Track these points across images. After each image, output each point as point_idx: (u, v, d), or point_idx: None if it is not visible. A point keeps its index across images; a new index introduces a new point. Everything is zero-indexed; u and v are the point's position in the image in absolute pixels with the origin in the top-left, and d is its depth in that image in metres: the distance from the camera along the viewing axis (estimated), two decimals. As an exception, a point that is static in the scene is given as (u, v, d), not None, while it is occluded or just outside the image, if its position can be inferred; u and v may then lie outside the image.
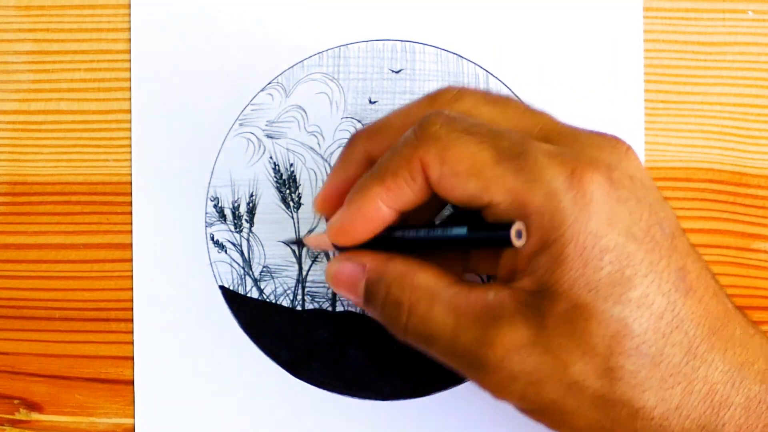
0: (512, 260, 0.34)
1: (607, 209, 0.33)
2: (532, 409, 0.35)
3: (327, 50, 0.46)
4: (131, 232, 0.46)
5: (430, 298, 0.35)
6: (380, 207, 0.36)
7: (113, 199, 0.46)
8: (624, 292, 0.33)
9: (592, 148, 0.35)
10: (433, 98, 0.37)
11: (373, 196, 0.35)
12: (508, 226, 0.33)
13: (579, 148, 0.34)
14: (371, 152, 0.38)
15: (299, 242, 0.42)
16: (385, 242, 0.37)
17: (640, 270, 0.33)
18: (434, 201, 0.36)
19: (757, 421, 0.34)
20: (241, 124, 0.46)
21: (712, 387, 0.34)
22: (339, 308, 0.46)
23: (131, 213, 0.46)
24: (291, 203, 0.46)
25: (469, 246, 0.36)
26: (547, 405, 0.34)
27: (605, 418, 0.34)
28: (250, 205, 0.46)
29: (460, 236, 0.35)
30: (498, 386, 0.34)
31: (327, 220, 0.39)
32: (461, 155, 0.34)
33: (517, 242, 0.33)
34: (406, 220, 0.38)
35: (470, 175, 0.34)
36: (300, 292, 0.46)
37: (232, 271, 0.46)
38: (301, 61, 0.46)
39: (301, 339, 0.46)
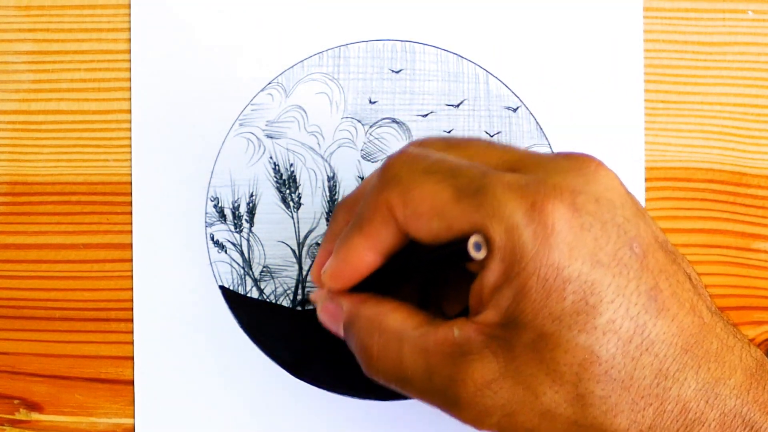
0: (478, 292, 0.34)
1: (569, 239, 0.33)
2: None
3: (327, 50, 0.46)
4: (131, 232, 0.46)
5: (399, 340, 0.36)
6: (364, 254, 0.36)
7: (113, 199, 0.46)
8: (589, 320, 0.33)
9: (557, 173, 0.34)
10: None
11: (355, 246, 0.36)
12: (466, 239, 0.33)
13: (543, 175, 0.34)
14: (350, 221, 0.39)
15: (307, 301, 0.44)
16: (373, 277, 0.37)
17: (606, 296, 0.33)
18: None
19: None
20: (241, 124, 0.46)
21: (684, 405, 0.34)
22: (339, 308, 0.46)
23: (131, 213, 0.46)
24: (291, 203, 0.46)
25: (434, 266, 0.36)
26: None
27: None
28: (250, 205, 0.46)
29: (422, 255, 0.35)
30: (475, 420, 0.35)
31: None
32: (422, 196, 0.34)
33: (477, 254, 0.33)
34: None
35: (432, 216, 0.34)
36: (300, 292, 0.46)
37: (232, 271, 0.46)
38: (301, 61, 0.46)
39: (301, 339, 0.46)
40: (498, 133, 0.46)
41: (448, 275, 0.40)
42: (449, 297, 0.40)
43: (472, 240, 0.33)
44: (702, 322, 0.35)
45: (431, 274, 0.40)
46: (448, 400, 0.35)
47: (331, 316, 0.38)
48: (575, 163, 0.35)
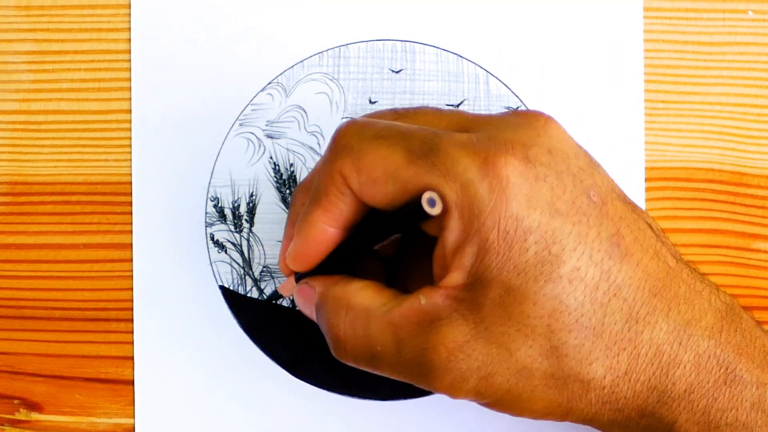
0: (441, 256, 0.34)
1: (526, 190, 0.33)
2: (490, 401, 0.35)
3: (327, 50, 0.46)
4: (131, 232, 0.46)
5: (366, 317, 0.35)
6: (324, 229, 0.36)
7: (113, 199, 0.46)
8: (553, 270, 0.33)
9: (507, 129, 0.34)
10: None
11: (314, 221, 0.36)
12: (420, 199, 0.33)
13: (493, 132, 0.34)
14: None
15: (277, 295, 0.43)
16: (337, 253, 0.37)
17: (568, 244, 0.33)
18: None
19: (708, 376, 0.34)
20: (241, 124, 0.46)
21: (658, 348, 0.34)
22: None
23: (131, 213, 0.46)
24: (291, 203, 0.46)
25: (393, 231, 0.36)
26: (502, 395, 0.34)
27: (560, 396, 0.34)
28: (250, 205, 0.46)
29: (382, 220, 0.35)
30: (451, 388, 0.34)
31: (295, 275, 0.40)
32: (374, 162, 0.34)
33: (432, 210, 0.33)
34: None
35: (386, 180, 0.34)
36: (300, 292, 0.46)
37: (232, 271, 0.46)
38: (301, 61, 0.46)
39: (301, 339, 0.46)
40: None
41: (412, 254, 0.39)
42: (414, 276, 0.39)
43: (426, 197, 0.33)
44: (668, 267, 0.35)
45: (394, 245, 0.39)
46: (421, 370, 0.34)
47: (305, 299, 0.38)
48: (524, 118, 0.35)
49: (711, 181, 0.46)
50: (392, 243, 0.38)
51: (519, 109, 0.36)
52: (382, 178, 0.34)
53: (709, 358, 0.34)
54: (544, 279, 0.33)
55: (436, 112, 0.37)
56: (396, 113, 0.38)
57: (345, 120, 0.36)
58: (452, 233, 0.33)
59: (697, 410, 0.34)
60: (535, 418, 0.35)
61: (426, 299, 0.34)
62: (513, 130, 0.34)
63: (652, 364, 0.34)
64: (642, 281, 0.34)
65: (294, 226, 0.38)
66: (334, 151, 0.35)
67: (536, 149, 0.34)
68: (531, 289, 0.33)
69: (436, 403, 0.46)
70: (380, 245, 0.37)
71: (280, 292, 0.42)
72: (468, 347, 0.33)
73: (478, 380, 0.34)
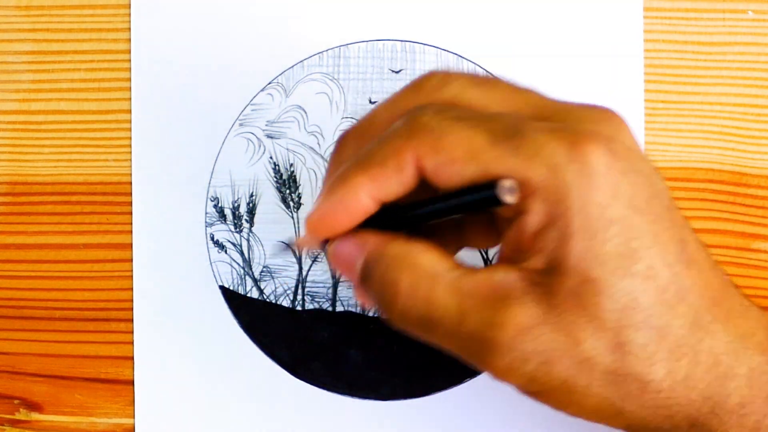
0: (517, 239, 0.34)
1: (611, 180, 0.32)
2: (541, 390, 0.34)
3: (327, 50, 0.46)
4: (131, 232, 0.46)
5: (432, 279, 0.34)
6: (362, 198, 0.34)
7: (113, 199, 0.46)
8: (631, 265, 0.32)
9: (587, 121, 0.34)
10: (419, 86, 0.36)
11: (355, 186, 0.34)
12: (488, 186, 0.32)
13: (574, 122, 0.34)
14: None
15: (287, 247, 0.41)
16: (380, 220, 0.35)
17: (645, 242, 0.32)
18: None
19: (759, 392, 0.34)
20: (241, 124, 0.46)
21: (716, 358, 0.34)
22: (339, 308, 0.46)
23: (131, 213, 0.46)
24: (291, 203, 0.46)
25: (466, 209, 0.35)
26: (557, 385, 0.33)
27: (615, 394, 0.33)
28: (250, 205, 0.46)
29: (455, 198, 0.34)
30: (507, 368, 0.33)
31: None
32: (456, 142, 0.33)
33: (509, 198, 0.32)
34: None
35: (468, 160, 0.33)
36: (300, 292, 0.46)
37: (232, 271, 0.46)
38: (301, 61, 0.46)
39: (301, 339, 0.46)
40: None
41: (462, 224, 0.38)
42: (466, 240, 0.38)
43: (506, 184, 0.32)
44: (723, 280, 0.35)
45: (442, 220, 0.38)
46: (481, 344, 0.33)
47: (346, 256, 0.36)
48: (603, 114, 0.35)
49: (711, 181, 0.46)
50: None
51: (594, 104, 0.36)
52: (462, 159, 0.33)
53: (762, 374, 0.34)
54: (622, 273, 0.32)
55: (514, 87, 0.36)
56: (471, 80, 0.36)
57: (424, 104, 0.34)
58: (535, 216, 0.33)
59: (747, 425, 0.34)
60: (581, 415, 0.35)
61: (502, 276, 0.33)
62: (595, 123, 0.34)
63: (710, 373, 0.34)
64: (705, 289, 0.34)
65: (334, 173, 0.36)
66: (411, 129, 0.34)
67: (618, 144, 0.33)
68: (609, 281, 0.32)
69: (435, 403, 0.46)
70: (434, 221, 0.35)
71: (300, 243, 0.39)
72: (536, 330, 0.33)
73: (537, 365, 0.33)
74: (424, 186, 0.35)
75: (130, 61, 0.47)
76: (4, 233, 0.47)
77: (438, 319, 0.34)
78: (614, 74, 0.46)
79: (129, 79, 0.47)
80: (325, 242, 0.37)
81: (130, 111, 0.47)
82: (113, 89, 0.47)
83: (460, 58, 0.46)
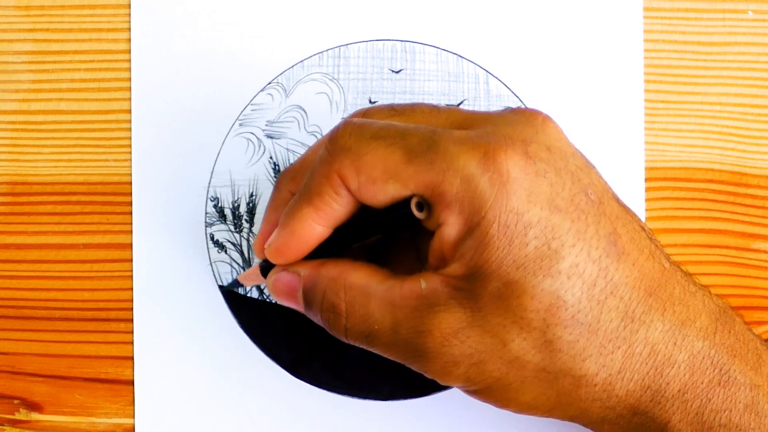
0: (439, 249, 0.34)
1: (526, 185, 0.33)
2: (478, 389, 0.35)
3: (327, 50, 0.46)
4: (131, 232, 0.46)
5: (365, 296, 0.35)
6: (313, 227, 0.36)
7: (113, 199, 0.46)
8: (552, 265, 0.33)
9: (505, 126, 0.35)
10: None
11: (304, 218, 0.36)
12: (408, 202, 0.34)
13: (491, 129, 0.34)
14: (296, 191, 0.38)
15: (237, 284, 0.43)
16: (319, 248, 0.37)
17: (567, 240, 0.33)
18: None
19: (702, 376, 0.34)
20: (241, 124, 0.46)
21: (653, 347, 0.34)
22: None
23: (131, 213, 0.46)
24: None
25: (384, 229, 0.36)
26: (491, 383, 0.34)
27: (549, 390, 0.34)
28: (250, 205, 0.46)
29: (370, 220, 0.36)
30: (442, 372, 0.35)
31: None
32: (374, 162, 0.34)
33: (419, 214, 0.34)
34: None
35: (386, 179, 0.34)
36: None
37: (232, 271, 0.46)
38: (301, 61, 0.46)
39: (301, 339, 0.46)
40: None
41: (392, 241, 0.39)
42: (397, 257, 0.39)
43: (414, 201, 0.33)
44: (662, 268, 0.35)
45: (378, 239, 0.39)
46: (415, 351, 0.35)
47: (286, 288, 0.38)
48: (522, 116, 0.35)
49: (711, 181, 0.46)
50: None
51: (517, 107, 0.36)
52: (381, 178, 0.34)
53: (704, 358, 0.35)
54: (543, 273, 0.33)
55: (433, 109, 0.37)
56: (393, 110, 0.38)
57: (342, 120, 0.36)
58: (452, 227, 0.33)
59: (691, 411, 0.34)
60: (520, 410, 0.35)
61: (426, 283, 0.34)
62: (512, 127, 0.35)
63: (647, 363, 0.34)
64: (638, 281, 0.34)
65: (275, 211, 0.38)
66: (332, 152, 0.35)
67: (535, 146, 0.34)
68: (530, 283, 0.33)
69: (435, 403, 0.46)
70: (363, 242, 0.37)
71: (242, 281, 0.42)
72: (462, 334, 0.34)
73: (469, 366, 0.34)
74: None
75: (130, 61, 0.47)
76: (4, 233, 0.47)
77: (376, 333, 0.35)
78: (614, 74, 0.46)
79: (129, 79, 0.47)
80: (264, 275, 0.39)
81: (130, 111, 0.47)
82: (113, 89, 0.47)
83: (460, 58, 0.46)
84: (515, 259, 0.33)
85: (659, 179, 0.46)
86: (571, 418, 0.35)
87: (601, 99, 0.46)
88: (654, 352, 0.34)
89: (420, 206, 0.34)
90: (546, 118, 0.35)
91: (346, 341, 0.37)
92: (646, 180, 0.46)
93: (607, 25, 0.46)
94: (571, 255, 0.33)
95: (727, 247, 0.46)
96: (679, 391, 0.34)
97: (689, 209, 0.46)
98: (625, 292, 0.34)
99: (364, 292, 0.35)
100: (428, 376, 0.35)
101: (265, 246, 0.38)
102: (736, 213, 0.46)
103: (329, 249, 0.37)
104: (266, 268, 0.39)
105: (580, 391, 0.34)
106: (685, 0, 0.46)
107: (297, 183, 0.38)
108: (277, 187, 0.39)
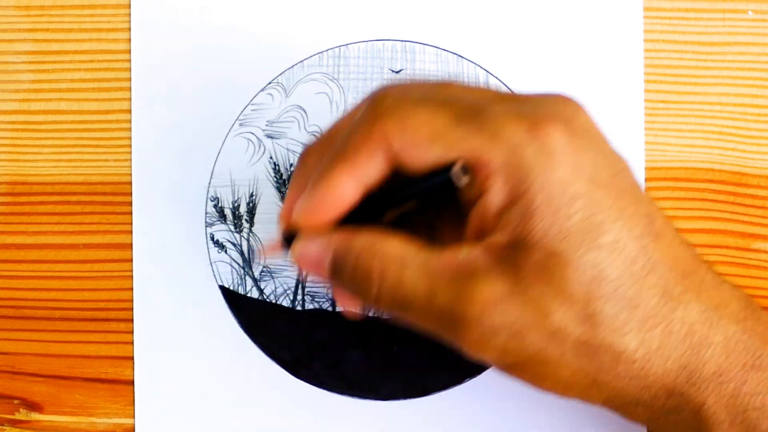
0: (481, 218, 0.34)
1: (571, 158, 0.33)
2: (514, 362, 0.34)
3: (327, 50, 0.46)
4: (131, 232, 0.46)
5: (401, 263, 0.35)
6: (347, 186, 0.35)
7: (113, 199, 0.47)
8: (596, 238, 0.33)
9: (546, 105, 0.35)
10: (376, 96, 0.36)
11: (338, 174, 0.35)
12: (448, 169, 0.33)
13: (534, 106, 0.35)
14: None
15: (258, 263, 0.42)
16: (356, 214, 0.36)
17: (610, 215, 0.33)
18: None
19: (737, 359, 0.35)
20: (241, 124, 0.46)
21: (690, 327, 0.34)
22: (339, 308, 0.46)
23: (131, 213, 0.46)
24: (291, 203, 0.46)
25: (418, 196, 0.35)
26: (530, 356, 0.34)
27: (588, 365, 0.34)
28: (250, 205, 0.46)
29: (411, 184, 0.35)
30: (479, 342, 0.34)
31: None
32: (420, 122, 0.34)
33: (463, 178, 0.33)
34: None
35: (432, 141, 0.34)
36: (300, 292, 0.46)
37: (232, 271, 0.46)
38: (301, 61, 0.46)
39: (301, 339, 0.46)
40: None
41: (434, 206, 0.39)
42: (437, 228, 0.39)
43: (459, 164, 0.33)
44: (694, 255, 0.35)
45: (406, 208, 0.38)
46: (451, 320, 0.34)
47: (314, 255, 0.36)
48: (561, 99, 0.36)
49: (711, 181, 0.46)
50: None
51: (552, 92, 0.36)
52: (427, 139, 0.34)
53: (737, 342, 0.35)
54: (587, 246, 0.33)
55: (465, 86, 0.37)
56: (427, 84, 0.37)
57: (385, 85, 0.35)
58: (496, 195, 0.33)
59: (726, 393, 0.34)
60: (555, 388, 0.35)
61: (466, 253, 0.34)
62: (553, 106, 0.35)
63: (684, 342, 0.34)
64: (675, 262, 0.34)
65: (301, 183, 0.37)
66: (375, 112, 0.34)
67: (577, 125, 0.34)
68: (574, 254, 0.33)
69: (435, 403, 0.46)
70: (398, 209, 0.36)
71: (265, 254, 0.40)
72: (503, 303, 0.33)
73: (508, 337, 0.33)
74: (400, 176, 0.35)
75: (130, 61, 0.47)
76: (4, 233, 0.47)
77: (410, 300, 0.35)
78: (614, 74, 0.46)
79: (129, 79, 0.47)
80: (287, 247, 0.37)
81: (130, 111, 0.47)
82: (113, 89, 0.47)
83: (460, 58, 0.46)
84: (560, 229, 0.33)
85: (659, 179, 0.46)
86: (605, 401, 0.35)
87: (601, 99, 0.46)
88: (691, 332, 0.34)
89: (464, 171, 0.33)
90: (580, 105, 0.36)
91: (376, 308, 0.36)
92: (646, 180, 0.46)
93: (607, 25, 0.46)
94: (613, 230, 0.33)
95: (727, 247, 0.46)
96: (714, 372, 0.34)
97: (689, 209, 0.46)
98: (664, 272, 0.34)
99: (400, 259, 0.35)
100: (463, 346, 0.34)
101: (296, 209, 0.36)
102: (736, 213, 0.46)
103: (359, 218, 0.36)
104: (289, 238, 0.37)
105: (618, 367, 0.34)
106: (685, 0, 0.46)
107: (323, 155, 0.37)
108: (300, 162, 0.38)
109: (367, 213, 0.36)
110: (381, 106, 0.35)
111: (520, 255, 0.33)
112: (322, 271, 0.36)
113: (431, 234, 0.39)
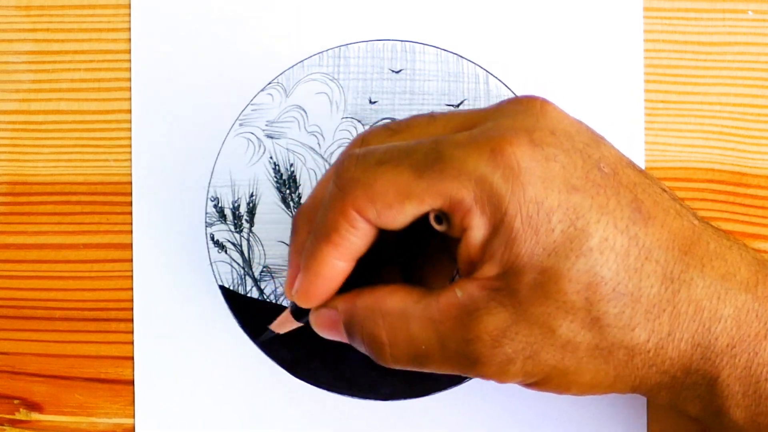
0: (467, 254, 0.34)
1: (539, 172, 0.33)
2: (538, 380, 0.35)
3: (327, 50, 0.46)
4: (131, 232, 0.46)
5: (404, 319, 0.35)
6: (335, 264, 0.36)
7: (113, 199, 0.46)
8: (582, 244, 0.33)
9: (505, 118, 0.35)
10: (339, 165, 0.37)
11: (324, 257, 0.36)
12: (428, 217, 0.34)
13: (492, 125, 0.35)
14: None
15: (271, 333, 0.43)
16: (349, 280, 0.37)
17: (591, 217, 0.33)
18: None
19: (749, 330, 0.35)
20: (241, 124, 0.46)
21: (698, 305, 0.34)
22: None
23: (131, 213, 0.46)
24: (291, 203, 0.46)
25: (409, 248, 0.37)
26: (549, 372, 0.35)
27: (606, 366, 0.34)
28: (250, 205, 0.46)
29: (393, 244, 0.36)
30: (499, 372, 0.35)
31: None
32: (385, 186, 0.34)
33: (439, 227, 0.34)
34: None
35: (402, 201, 0.34)
36: (300, 292, 0.46)
37: (232, 271, 0.46)
38: (301, 61, 0.46)
39: (301, 339, 0.46)
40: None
41: (423, 254, 0.39)
42: (429, 272, 0.39)
43: (432, 215, 0.34)
44: (692, 225, 0.35)
45: (407, 258, 0.40)
46: (468, 361, 0.35)
47: (327, 323, 0.38)
48: (520, 105, 0.36)
49: (711, 181, 0.46)
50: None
51: (513, 97, 0.36)
52: (397, 200, 0.34)
53: (748, 312, 0.35)
54: (575, 255, 0.33)
55: (429, 118, 0.37)
56: (389, 130, 0.37)
57: (344, 154, 0.36)
58: (477, 230, 0.34)
59: (739, 365, 0.35)
60: (583, 392, 0.35)
61: (462, 292, 0.34)
62: (512, 118, 0.35)
63: (694, 321, 0.34)
64: (670, 241, 0.34)
65: (297, 254, 0.38)
66: (341, 187, 0.35)
67: (539, 132, 0.34)
68: (564, 266, 0.33)
69: (435, 403, 0.46)
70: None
71: (276, 330, 0.42)
72: (511, 331, 0.34)
73: (524, 360, 0.34)
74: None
75: (130, 61, 0.47)
76: (4, 233, 0.47)
77: (425, 353, 0.35)
78: (614, 74, 0.46)
79: (129, 79, 0.47)
80: (298, 318, 0.40)
81: (130, 111, 0.47)
82: (113, 89, 0.47)
83: (460, 58, 0.46)
84: (545, 246, 0.33)
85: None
86: (633, 389, 0.36)
87: (601, 99, 0.46)
88: (699, 308, 0.34)
89: (439, 219, 0.34)
90: (544, 102, 0.36)
91: (396, 367, 0.37)
92: (646, 180, 0.46)
93: (607, 25, 0.46)
94: (598, 231, 0.33)
95: (727, 247, 0.46)
96: (727, 345, 0.34)
97: (689, 209, 0.46)
98: (660, 255, 0.34)
99: (403, 315, 0.35)
100: (486, 379, 0.35)
101: (293, 292, 0.38)
102: (736, 213, 0.46)
103: (359, 279, 0.37)
104: (297, 310, 0.39)
105: (635, 360, 0.34)
106: (685, 0, 0.46)
107: (312, 222, 0.38)
108: (294, 230, 0.39)
109: (365, 271, 0.37)
110: (344, 179, 0.35)
111: (513, 280, 0.33)
112: (341, 337, 0.38)
113: (421, 273, 0.40)
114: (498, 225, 0.33)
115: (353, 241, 0.35)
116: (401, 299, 0.36)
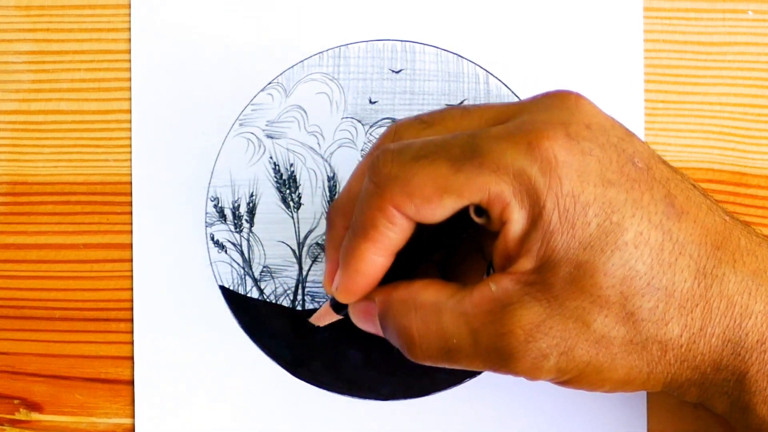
0: (504, 248, 0.35)
1: (576, 166, 0.33)
2: (571, 377, 0.35)
3: (327, 50, 0.46)
4: (131, 232, 0.46)
5: (437, 312, 0.35)
6: (374, 260, 0.36)
7: (113, 199, 0.46)
8: (618, 238, 0.33)
9: (540, 112, 0.35)
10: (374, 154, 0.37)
11: (363, 253, 0.36)
12: (467, 211, 0.34)
13: (528, 118, 0.35)
14: (348, 225, 0.38)
15: (311, 326, 0.43)
16: (388, 274, 0.37)
17: (626, 212, 0.33)
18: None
19: None
20: (241, 124, 0.46)
21: (729, 300, 0.34)
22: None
23: (131, 213, 0.46)
24: (291, 203, 0.46)
25: (448, 243, 0.37)
26: (583, 369, 0.34)
27: (639, 361, 0.34)
28: (250, 205, 0.46)
29: (433, 238, 0.36)
30: (532, 368, 0.35)
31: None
32: (423, 182, 0.34)
33: (479, 220, 0.34)
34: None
35: (440, 195, 0.34)
36: (300, 292, 0.46)
37: (232, 271, 0.46)
38: (301, 61, 0.46)
39: (301, 339, 0.46)
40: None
41: (460, 250, 0.39)
42: (465, 269, 0.40)
43: (471, 209, 0.34)
44: (724, 221, 0.35)
45: (444, 253, 0.40)
46: (500, 356, 0.34)
47: (364, 315, 0.38)
48: (555, 99, 0.36)
49: (711, 181, 0.46)
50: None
51: (548, 91, 0.36)
52: (436, 195, 0.34)
53: None
54: (611, 249, 0.33)
55: (464, 112, 0.37)
56: (422, 122, 0.37)
57: (379, 149, 0.36)
58: (516, 224, 0.34)
59: (767, 360, 0.35)
60: (615, 389, 0.35)
61: (496, 286, 0.34)
62: (548, 112, 0.35)
63: (725, 317, 0.34)
64: (703, 236, 0.34)
65: (334, 248, 0.38)
66: (378, 183, 0.35)
67: (575, 126, 0.34)
68: (599, 260, 0.33)
69: (435, 403, 0.46)
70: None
71: (316, 323, 0.42)
72: (545, 326, 0.34)
73: (558, 356, 0.34)
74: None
75: (130, 61, 0.47)
76: (4, 233, 0.47)
77: (456, 347, 0.35)
78: (614, 74, 0.46)
79: (129, 79, 0.47)
80: (337, 312, 0.40)
81: (130, 111, 0.47)
82: (113, 89, 0.47)
83: (460, 58, 0.46)
84: (581, 240, 0.33)
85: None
86: (665, 386, 0.36)
87: (601, 99, 0.46)
88: (731, 304, 0.34)
89: (479, 212, 0.34)
90: (578, 97, 0.36)
91: (427, 363, 0.36)
92: (646, 180, 0.46)
93: (607, 25, 0.46)
94: (633, 225, 0.33)
95: (727, 247, 0.46)
96: (757, 341, 0.34)
97: (689, 209, 0.46)
98: (693, 250, 0.34)
99: (435, 308, 0.35)
100: (518, 376, 0.35)
101: (333, 288, 0.38)
102: (736, 213, 0.46)
103: (399, 273, 0.37)
104: (337, 304, 0.39)
105: (668, 355, 0.34)
106: (685, 0, 0.46)
107: (348, 217, 0.38)
108: (330, 225, 0.39)
109: (404, 265, 0.37)
110: (381, 176, 0.35)
111: (548, 275, 0.33)
112: (376, 330, 0.38)
113: (456, 272, 0.40)
114: (536, 219, 0.33)
115: (391, 236, 0.35)
116: (435, 293, 0.36)
